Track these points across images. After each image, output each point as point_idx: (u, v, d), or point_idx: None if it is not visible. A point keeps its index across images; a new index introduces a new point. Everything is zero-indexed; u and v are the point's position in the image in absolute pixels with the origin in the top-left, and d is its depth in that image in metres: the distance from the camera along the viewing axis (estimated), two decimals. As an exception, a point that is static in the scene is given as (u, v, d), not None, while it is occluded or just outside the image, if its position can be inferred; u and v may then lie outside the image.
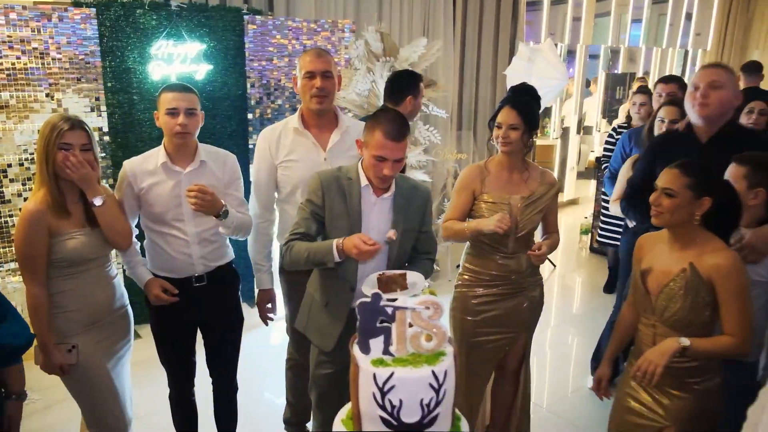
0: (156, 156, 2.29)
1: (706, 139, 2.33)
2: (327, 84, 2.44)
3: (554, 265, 5.57)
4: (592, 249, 6.00)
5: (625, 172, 3.14)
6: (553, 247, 2.49)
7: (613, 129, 4.65)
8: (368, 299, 1.10)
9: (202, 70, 4.04)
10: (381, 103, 4.22)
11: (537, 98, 2.54)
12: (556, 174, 7.95)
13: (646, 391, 2.01)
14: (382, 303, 1.10)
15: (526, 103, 2.38)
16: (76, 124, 2.08)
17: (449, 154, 5.06)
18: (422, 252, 2.26)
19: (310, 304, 2.26)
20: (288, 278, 2.63)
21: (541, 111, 5.68)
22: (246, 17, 4.17)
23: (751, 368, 2.15)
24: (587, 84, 6.49)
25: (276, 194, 2.65)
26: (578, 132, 7.75)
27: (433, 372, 1.07)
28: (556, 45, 5.49)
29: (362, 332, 1.12)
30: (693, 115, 2.34)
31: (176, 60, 3.93)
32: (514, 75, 4.73)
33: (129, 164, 2.31)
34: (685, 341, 1.81)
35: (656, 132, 3.04)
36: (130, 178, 2.28)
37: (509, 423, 2.68)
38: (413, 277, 1.97)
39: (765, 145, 2.24)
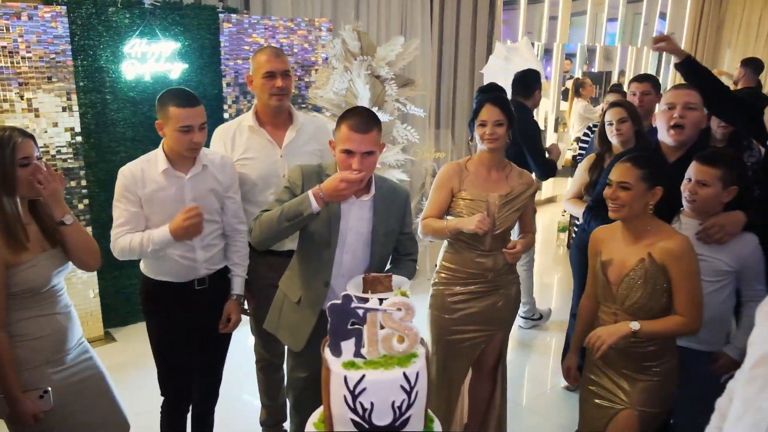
0: (155, 162, 2.21)
1: (674, 159, 2.38)
2: (288, 83, 2.49)
3: (532, 263, 5.61)
4: (569, 247, 6.05)
5: (581, 172, 3.19)
6: (528, 246, 2.52)
7: (588, 128, 4.69)
8: (339, 301, 1.09)
9: (176, 69, 3.99)
10: (359, 102, 4.23)
11: (506, 96, 2.57)
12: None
13: (608, 376, 2.11)
14: (353, 305, 1.10)
15: (504, 99, 2.43)
16: (25, 133, 1.85)
17: (427, 153, 5.06)
18: (404, 254, 2.27)
19: (282, 303, 2.25)
20: (250, 276, 2.62)
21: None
22: (221, 15, 4.12)
23: (717, 359, 2.19)
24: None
25: None
26: (555, 130, 7.81)
27: (405, 374, 1.07)
28: (533, 44, 5.52)
29: (333, 334, 1.11)
30: (665, 136, 2.39)
31: (150, 59, 3.87)
32: (491, 73, 4.76)
33: (129, 170, 2.19)
34: (635, 325, 1.93)
35: (608, 135, 3.11)
36: (131, 184, 2.18)
37: (487, 422, 2.69)
38: (398, 279, 1.97)
39: None
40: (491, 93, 2.48)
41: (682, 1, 8.73)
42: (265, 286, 2.51)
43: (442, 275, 2.51)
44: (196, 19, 4.07)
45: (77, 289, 3.72)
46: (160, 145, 2.25)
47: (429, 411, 1.22)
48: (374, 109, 4.28)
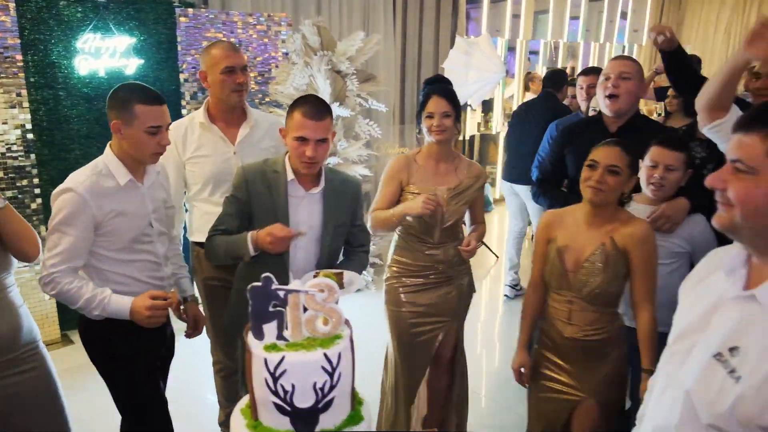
0: (109, 173, 1.91)
1: (615, 128, 2.41)
2: (247, 78, 2.44)
3: (497, 256, 5.65)
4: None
5: None
6: (480, 237, 2.52)
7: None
8: (259, 283, 1.08)
9: (132, 65, 3.92)
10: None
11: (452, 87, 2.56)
12: (499, 165, 8.08)
13: (563, 369, 2.07)
14: (274, 287, 1.08)
15: (450, 90, 2.42)
16: None
17: (391, 149, 5.07)
18: (356, 245, 2.26)
19: (238, 300, 2.19)
20: (204, 281, 2.59)
21: (480, 103, 5.74)
22: (177, 10, 4.07)
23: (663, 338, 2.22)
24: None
25: (185, 191, 2.59)
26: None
27: (326, 355, 1.06)
28: (496, 40, 5.59)
29: (254, 318, 1.10)
30: (603, 106, 2.42)
31: (105, 54, 3.80)
32: (452, 68, 4.78)
33: (83, 188, 1.82)
34: (646, 366, 1.90)
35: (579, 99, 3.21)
36: (89, 204, 1.83)
37: (447, 413, 2.70)
38: (350, 275, 1.95)
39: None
40: (438, 84, 2.48)
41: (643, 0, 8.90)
42: (215, 287, 2.48)
43: (394, 269, 2.51)
44: (151, 13, 4.01)
45: (31, 291, 3.63)
46: (108, 153, 1.95)
47: (358, 393, 1.21)
48: (335, 105, 4.28)
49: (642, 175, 2.18)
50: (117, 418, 2.38)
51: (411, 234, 2.43)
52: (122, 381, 2.04)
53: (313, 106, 1.94)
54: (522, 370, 2.19)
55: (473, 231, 2.55)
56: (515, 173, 4.38)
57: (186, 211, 2.67)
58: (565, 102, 4.58)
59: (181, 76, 4.15)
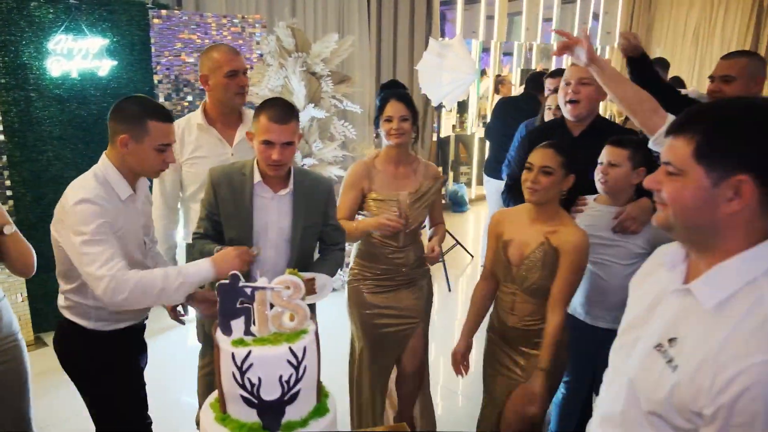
0: (114, 186, 1.85)
1: (578, 132, 2.47)
2: (247, 80, 2.49)
3: (471, 255, 5.74)
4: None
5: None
6: (442, 240, 2.58)
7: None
8: (226, 281, 1.12)
9: (105, 66, 3.91)
10: (294, 98, 4.24)
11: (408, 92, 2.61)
12: (474, 166, 8.17)
13: (505, 353, 2.22)
14: (241, 284, 1.12)
15: (407, 95, 2.47)
16: None
17: (366, 150, 5.11)
18: (331, 243, 2.28)
19: None
20: None
21: (456, 104, 5.79)
22: (151, 11, 4.07)
23: (602, 334, 2.26)
24: (496, 87, 6.73)
25: (180, 193, 2.61)
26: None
27: (291, 349, 1.11)
28: (470, 41, 5.66)
29: (222, 314, 1.14)
30: (565, 111, 2.47)
31: (77, 55, 3.79)
32: (426, 70, 4.84)
33: (97, 197, 1.76)
34: (543, 365, 2.02)
35: (546, 119, 3.21)
36: (108, 211, 1.78)
37: (413, 410, 2.75)
38: (322, 280, 1.99)
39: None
40: (394, 89, 2.53)
41: (614, 3, 9.07)
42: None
43: (356, 271, 2.53)
44: (124, 14, 4.00)
45: (6, 292, 3.60)
46: (107, 165, 1.86)
47: (324, 386, 1.26)
48: (310, 106, 4.32)
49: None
50: (84, 423, 2.38)
51: (374, 237, 2.45)
52: (105, 398, 1.97)
53: (278, 109, 1.96)
54: (456, 356, 2.31)
55: (434, 234, 2.59)
56: (499, 168, 4.42)
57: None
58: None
59: (155, 78, 4.15)
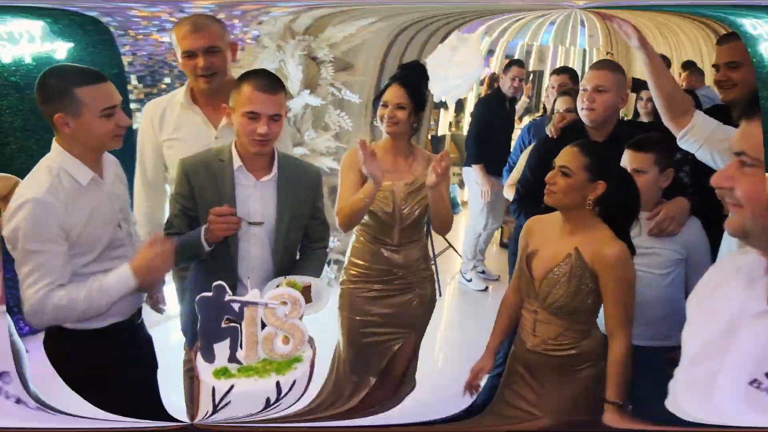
0: (71, 172, 1.68)
1: (602, 140, 2.32)
2: (214, 60, 2.14)
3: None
4: (502, 244, 6.05)
5: (525, 158, 3.11)
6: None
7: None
8: (209, 293, 0.90)
9: (61, 49, 3.60)
10: (288, 83, 4.03)
11: (427, 77, 2.35)
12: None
13: (526, 381, 1.97)
14: (228, 298, 0.90)
15: (415, 80, 2.24)
16: None
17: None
18: (315, 240, 2.12)
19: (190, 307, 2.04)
20: (179, 274, 2.37)
21: (455, 101, 5.68)
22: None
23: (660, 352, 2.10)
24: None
25: (166, 174, 2.38)
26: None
27: (278, 383, 0.89)
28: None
29: (204, 336, 0.92)
30: (583, 116, 2.35)
31: (22, 39, 3.49)
32: (436, 63, 4.68)
33: (44, 193, 1.58)
34: (608, 396, 1.79)
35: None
36: (56, 209, 1.59)
37: None
38: (317, 286, 1.83)
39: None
40: (406, 71, 2.29)
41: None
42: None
43: (352, 272, 2.35)
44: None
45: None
46: (59, 151, 1.69)
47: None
48: (305, 92, 4.14)
49: None
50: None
51: (368, 233, 2.29)
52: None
53: (265, 78, 1.83)
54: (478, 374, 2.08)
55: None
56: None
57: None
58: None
59: (124, 59, 3.83)
